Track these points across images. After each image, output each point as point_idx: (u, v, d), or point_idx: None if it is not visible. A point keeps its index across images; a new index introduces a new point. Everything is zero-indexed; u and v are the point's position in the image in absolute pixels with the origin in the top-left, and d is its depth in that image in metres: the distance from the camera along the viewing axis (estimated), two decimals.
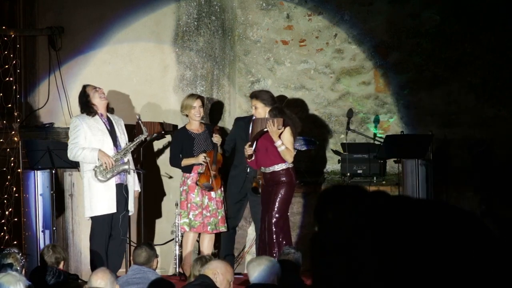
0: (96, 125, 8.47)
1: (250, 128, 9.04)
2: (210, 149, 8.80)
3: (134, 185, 8.66)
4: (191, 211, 8.79)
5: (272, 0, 10.53)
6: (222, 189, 8.93)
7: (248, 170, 8.94)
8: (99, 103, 8.54)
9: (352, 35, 10.46)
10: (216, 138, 8.78)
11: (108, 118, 8.59)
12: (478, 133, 10.28)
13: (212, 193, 8.82)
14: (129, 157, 8.59)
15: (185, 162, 8.86)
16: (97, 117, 8.50)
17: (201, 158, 8.72)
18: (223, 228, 8.89)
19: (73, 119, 8.62)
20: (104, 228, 8.50)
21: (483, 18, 10.26)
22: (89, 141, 8.42)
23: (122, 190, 8.48)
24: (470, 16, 10.29)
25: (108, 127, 8.55)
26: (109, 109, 8.74)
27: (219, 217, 8.85)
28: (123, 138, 8.61)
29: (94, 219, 8.51)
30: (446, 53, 10.35)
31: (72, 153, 8.44)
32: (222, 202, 8.88)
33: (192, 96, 9.04)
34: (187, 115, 9.00)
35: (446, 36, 10.34)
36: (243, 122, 9.17)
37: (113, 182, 8.44)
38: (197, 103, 8.88)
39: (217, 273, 5.67)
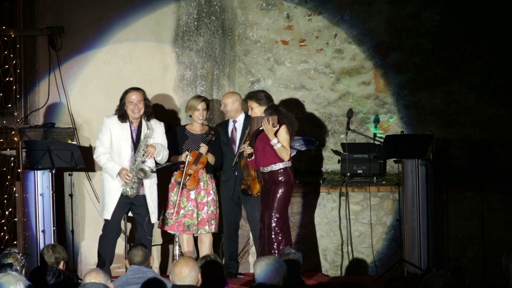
0: (121, 132, 8.66)
1: (230, 130, 9.05)
2: (196, 149, 8.81)
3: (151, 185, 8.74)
4: (167, 209, 8.85)
5: (272, 0, 10.53)
6: (212, 192, 8.89)
7: (236, 174, 8.94)
8: (130, 114, 8.68)
9: (352, 35, 10.46)
10: (202, 148, 8.77)
11: (140, 126, 8.65)
12: (478, 133, 10.28)
13: (192, 194, 8.81)
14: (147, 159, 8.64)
15: (173, 158, 8.94)
16: (127, 123, 8.66)
17: (183, 155, 8.76)
18: (202, 231, 8.84)
19: (104, 118, 8.79)
20: (111, 232, 8.73)
21: (483, 18, 10.27)
22: (111, 144, 8.66)
23: (129, 202, 8.64)
24: (470, 16, 10.29)
25: (135, 137, 8.64)
26: (148, 115, 8.71)
27: (199, 219, 8.81)
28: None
29: (104, 221, 8.76)
30: (446, 53, 10.35)
31: (99, 158, 8.74)
32: (206, 204, 8.84)
33: (198, 98, 9.03)
34: (190, 116, 9.00)
35: (446, 36, 10.34)
36: (222, 127, 9.20)
37: (119, 190, 8.63)
38: (201, 106, 8.92)
39: (197, 276, 5.68)
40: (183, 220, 8.82)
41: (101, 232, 8.82)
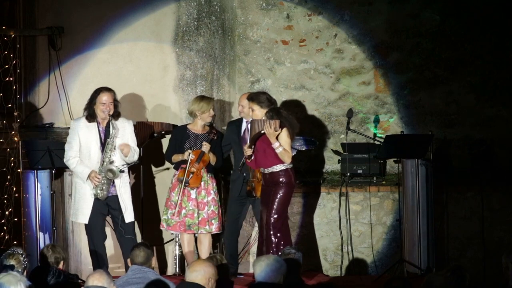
0: (89, 133, 8.58)
1: (243, 130, 9.05)
2: (199, 148, 8.81)
3: (123, 185, 8.67)
4: (169, 209, 8.84)
5: (272, 0, 10.53)
6: (212, 192, 8.89)
7: (245, 174, 8.94)
8: (99, 114, 8.59)
9: (352, 35, 10.47)
10: (205, 147, 8.78)
11: (108, 127, 8.58)
12: (478, 133, 10.28)
13: (192, 194, 8.81)
14: (115, 158, 8.57)
15: (175, 157, 8.93)
16: (95, 124, 8.59)
17: (186, 154, 8.77)
18: (203, 231, 8.84)
19: (72, 122, 8.75)
20: (93, 233, 8.65)
21: (483, 18, 10.27)
22: (80, 147, 8.58)
23: (105, 202, 8.58)
24: (470, 16, 10.29)
25: (103, 137, 8.58)
26: (115, 115, 8.65)
27: (199, 219, 8.82)
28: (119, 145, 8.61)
29: (85, 226, 8.69)
30: (446, 53, 10.35)
31: (68, 162, 8.66)
32: (206, 204, 8.84)
33: (208, 99, 8.97)
34: (195, 116, 8.92)
35: (446, 36, 10.34)
36: (234, 125, 9.18)
37: (92, 194, 8.59)
38: (212, 106, 8.92)
39: (210, 278, 5.67)
40: (185, 220, 8.82)
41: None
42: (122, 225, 8.59)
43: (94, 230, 8.62)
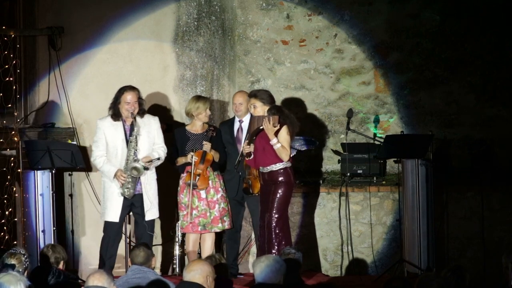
0: (115, 132, 8.62)
1: (235, 129, 9.05)
2: (200, 149, 8.81)
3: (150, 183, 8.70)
4: (180, 212, 8.84)
5: (272, 0, 10.53)
6: (220, 189, 8.89)
7: (240, 173, 8.94)
8: (124, 113, 8.62)
9: (352, 35, 10.47)
10: (206, 146, 8.77)
11: (132, 125, 8.59)
12: (478, 133, 10.28)
13: (202, 194, 8.81)
14: (141, 155, 8.59)
15: (179, 160, 8.92)
16: (120, 122, 8.61)
17: (189, 156, 8.76)
18: (216, 229, 8.86)
19: (98, 121, 8.75)
20: (111, 233, 8.68)
21: (483, 18, 10.27)
22: (107, 146, 8.61)
23: (130, 201, 8.60)
24: (470, 16, 10.29)
25: (128, 135, 8.60)
26: (140, 112, 8.65)
27: (211, 218, 8.83)
28: (145, 142, 8.61)
29: (105, 223, 8.71)
30: (446, 53, 10.36)
31: (95, 161, 8.71)
32: (216, 202, 8.85)
33: (204, 99, 8.96)
34: (192, 116, 8.92)
35: (446, 36, 10.34)
36: (227, 126, 9.18)
37: (119, 193, 8.62)
38: (208, 106, 8.90)
39: (208, 276, 5.67)
40: (197, 221, 8.80)
41: (101, 233, 8.79)
42: (146, 222, 8.62)
43: (113, 230, 8.64)
